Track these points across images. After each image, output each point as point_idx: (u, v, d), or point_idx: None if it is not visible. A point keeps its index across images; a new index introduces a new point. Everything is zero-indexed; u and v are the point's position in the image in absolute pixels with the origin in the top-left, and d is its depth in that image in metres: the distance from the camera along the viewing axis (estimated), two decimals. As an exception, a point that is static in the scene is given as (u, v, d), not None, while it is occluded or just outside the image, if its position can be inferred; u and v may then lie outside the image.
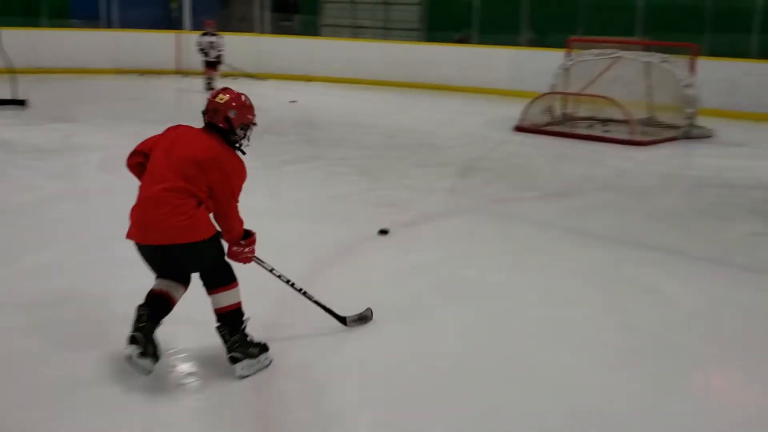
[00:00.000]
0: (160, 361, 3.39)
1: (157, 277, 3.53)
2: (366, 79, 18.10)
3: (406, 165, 8.66)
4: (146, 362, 3.30)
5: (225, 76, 15.95)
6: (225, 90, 3.67)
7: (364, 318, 4.13)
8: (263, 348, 3.57)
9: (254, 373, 3.49)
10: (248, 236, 3.64)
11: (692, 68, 11.02)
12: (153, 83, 16.73)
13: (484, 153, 9.47)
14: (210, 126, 3.59)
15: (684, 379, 3.64)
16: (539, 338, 4.01)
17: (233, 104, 3.59)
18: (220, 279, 3.47)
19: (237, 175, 3.52)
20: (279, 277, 3.92)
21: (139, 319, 3.37)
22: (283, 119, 11.76)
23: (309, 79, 18.42)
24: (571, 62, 11.90)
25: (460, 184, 7.68)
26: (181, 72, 18.26)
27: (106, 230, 5.63)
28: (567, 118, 11.70)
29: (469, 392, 3.43)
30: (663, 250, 5.64)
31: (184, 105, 14.70)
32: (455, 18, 18.60)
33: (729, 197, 7.43)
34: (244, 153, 3.66)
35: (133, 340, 3.31)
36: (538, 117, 11.53)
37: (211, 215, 3.47)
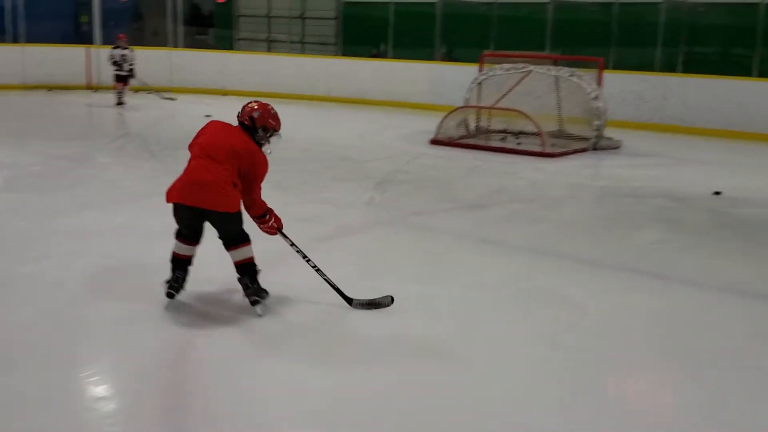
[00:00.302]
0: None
1: (183, 240, 4.47)
2: (282, 93, 18.02)
3: (323, 179, 8.65)
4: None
5: (136, 90, 15.65)
6: (257, 101, 4.66)
7: (374, 304, 4.52)
8: (267, 294, 4.44)
9: (267, 313, 4.35)
10: (266, 214, 4.59)
11: (599, 81, 11.39)
12: (62, 99, 16.24)
13: (401, 166, 9.54)
14: (241, 124, 4.53)
15: (596, 385, 3.73)
16: (454, 349, 4.05)
17: (258, 108, 4.58)
18: (239, 238, 4.38)
19: (261, 166, 4.46)
20: (297, 252, 4.65)
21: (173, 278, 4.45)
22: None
23: (224, 93, 18.23)
24: (483, 76, 12.14)
25: (377, 198, 7.70)
26: (92, 87, 17.81)
27: (10, 251, 5.44)
28: (481, 131, 11.92)
29: (386, 405, 3.43)
30: (574, 258, 5.80)
31: (95, 120, 14.32)
32: (371, 33, 18.74)
33: (636, 206, 7.69)
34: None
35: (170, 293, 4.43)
36: (453, 130, 11.71)
37: None
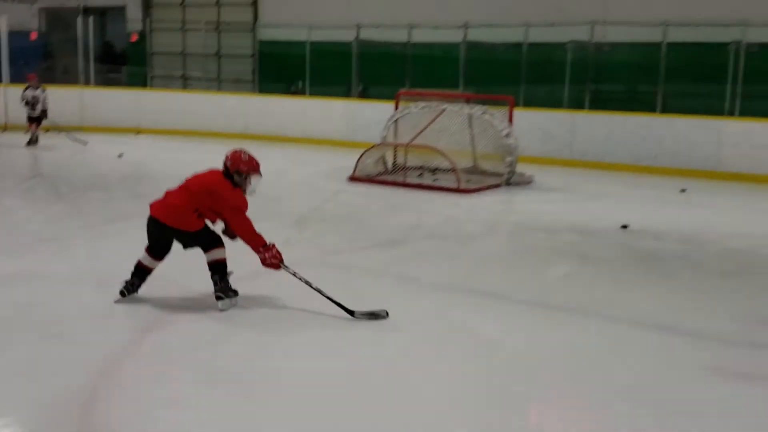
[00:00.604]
0: None
1: (150, 253, 5.37)
2: (199, 131, 17.86)
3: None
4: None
5: (46, 130, 15.25)
6: (233, 149, 5.53)
7: (375, 315, 5.06)
8: (236, 293, 5.35)
9: (229, 308, 5.19)
10: (263, 248, 5.36)
11: (510, 119, 11.70)
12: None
13: (319, 204, 9.54)
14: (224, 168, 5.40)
15: (508, 423, 3.77)
16: (369, 393, 4.04)
17: (230, 156, 5.44)
18: (210, 244, 5.36)
19: (225, 201, 5.30)
20: (300, 279, 5.33)
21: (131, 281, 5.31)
22: (109, 175, 11.34)
23: (138, 131, 17.93)
24: (399, 114, 12.31)
25: (294, 236, 7.66)
26: (1, 127, 17.25)
27: None
28: (398, 168, 12.05)
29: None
30: (487, 294, 5.89)
31: (4, 161, 13.83)
32: (288, 70, 18.80)
33: (547, 241, 7.88)
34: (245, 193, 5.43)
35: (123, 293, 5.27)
36: (371, 167, 11.81)
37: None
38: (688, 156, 13.35)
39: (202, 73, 19.52)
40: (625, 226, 8.53)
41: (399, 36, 16.63)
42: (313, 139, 16.95)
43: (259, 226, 8.23)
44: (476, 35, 15.90)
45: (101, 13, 22.38)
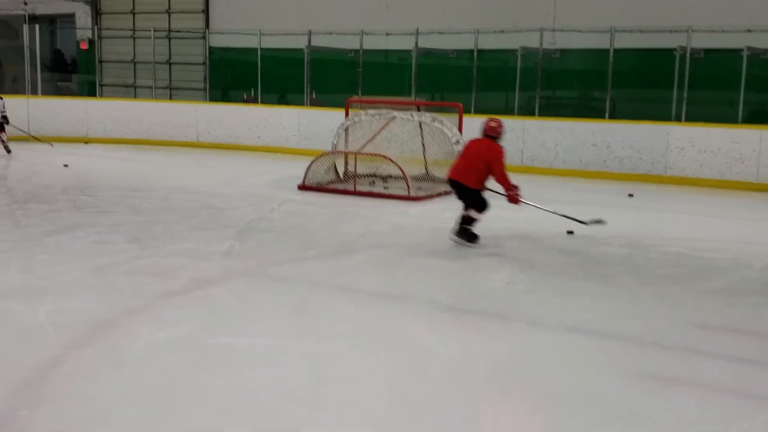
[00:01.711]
0: None
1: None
2: (150, 140, 17.63)
3: (182, 229, 8.41)
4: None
5: (11, 139, 15.03)
6: (495, 119, 8.03)
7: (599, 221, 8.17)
8: (475, 238, 7.84)
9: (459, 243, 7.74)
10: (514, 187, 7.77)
11: (460, 127, 11.70)
12: None
13: (266, 213, 9.43)
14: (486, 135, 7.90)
15: (441, 430, 3.72)
16: (303, 405, 3.95)
17: (493, 125, 7.95)
18: (475, 205, 7.80)
19: (494, 155, 7.71)
20: (540, 209, 8.11)
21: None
22: (53, 186, 11.10)
23: (86, 141, 17.63)
24: (350, 122, 12.25)
25: (237, 247, 7.54)
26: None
27: None
28: (349, 176, 11.97)
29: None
30: (426, 303, 5.84)
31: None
32: (240, 78, 18.66)
33: (492, 248, 7.86)
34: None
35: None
36: (321, 175, 11.72)
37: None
38: (636, 161, 13.50)
39: (152, 81, 19.26)
40: (570, 232, 8.56)
41: (351, 43, 16.58)
42: (265, 147, 16.82)
43: (203, 236, 8.18)
44: (427, 42, 15.93)
45: (50, 20, 22.02)
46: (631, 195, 11.69)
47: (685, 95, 13.58)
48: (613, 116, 14.29)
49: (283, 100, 18.01)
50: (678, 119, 13.56)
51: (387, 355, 4.74)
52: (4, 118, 14.79)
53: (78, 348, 4.62)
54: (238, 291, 6.14)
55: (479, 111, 14.89)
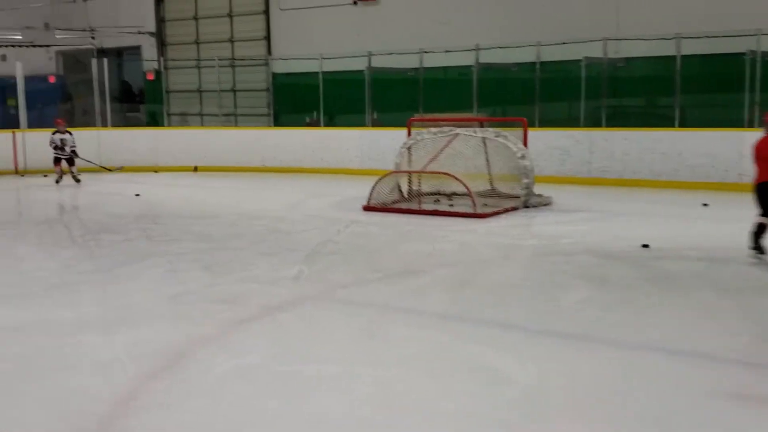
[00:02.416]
0: None
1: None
2: (217, 166, 17.93)
3: (250, 254, 8.47)
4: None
5: (81, 171, 15.58)
6: None
7: None
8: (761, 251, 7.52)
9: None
10: None
11: (524, 141, 11.54)
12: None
13: (331, 236, 9.43)
14: None
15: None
16: (372, 435, 3.89)
17: None
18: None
19: None
20: None
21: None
22: (125, 215, 11.35)
23: (156, 170, 18.04)
24: (412, 141, 12.21)
25: (305, 271, 7.55)
26: (19, 172, 17.45)
27: None
28: (414, 195, 11.92)
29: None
30: (499, 324, 5.71)
31: (20, 207, 13.94)
32: (302, 102, 18.84)
33: (564, 264, 7.68)
34: None
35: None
36: (385, 195, 11.69)
37: None
38: (709, 169, 13.08)
39: (218, 108, 19.63)
40: (645, 246, 8.31)
41: (410, 62, 16.58)
42: (329, 169, 16.92)
43: (271, 261, 8.22)
44: (488, 57, 15.80)
45: (117, 53, 22.67)
46: (705, 204, 11.31)
47: (757, 99, 13.12)
48: (683, 124, 13.90)
49: (344, 121, 18.11)
50: (750, 125, 13.09)
51: (458, 381, 4.63)
52: (74, 152, 15.33)
53: (152, 379, 4.65)
54: (306, 316, 6.13)
55: (543, 124, 14.69)
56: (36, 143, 16.71)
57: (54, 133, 15.42)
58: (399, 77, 17.09)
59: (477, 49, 15.69)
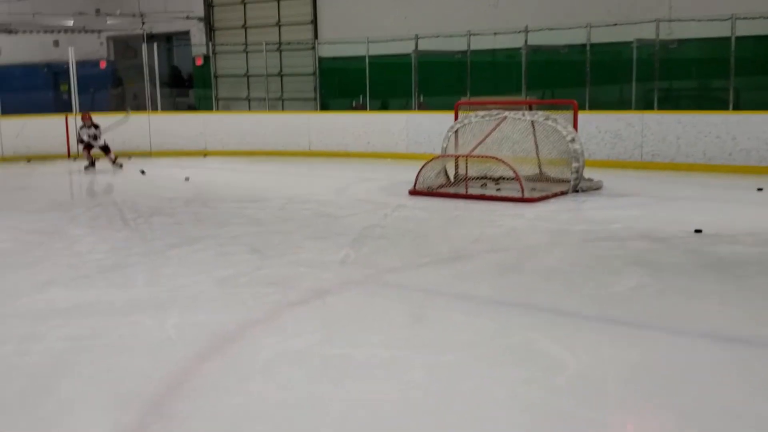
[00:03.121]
0: None
1: None
2: (264, 150, 18.06)
3: (299, 238, 8.51)
4: None
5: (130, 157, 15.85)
6: None
7: None
8: None
9: None
10: None
11: (575, 124, 11.36)
12: (41, 170, 16.18)
13: (379, 220, 9.42)
14: None
15: (568, 451, 3.55)
16: (427, 418, 3.87)
17: None
18: None
19: None
20: None
21: None
22: (175, 199, 11.49)
23: (205, 154, 18.23)
24: (459, 125, 12.11)
25: (352, 255, 7.56)
26: (72, 155, 17.79)
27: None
28: (460, 179, 11.83)
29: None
30: (550, 310, 5.64)
31: (73, 190, 14.22)
32: (348, 86, 18.84)
33: (616, 250, 7.56)
34: None
35: None
36: (432, 180, 11.63)
37: None
38: (764, 153, 12.73)
39: (265, 93, 19.73)
40: (699, 231, 8.13)
41: (458, 45, 16.44)
42: (375, 153, 16.91)
43: (319, 245, 8.24)
44: (537, 39, 15.58)
45: (167, 38, 22.93)
46: (760, 189, 11.03)
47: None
48: (737, 107, 13.55)
49: (391, 105, 18.06)
50: (808, 106, 12.72)
51: (510, 366, 4.59)
52: (105, 144, 15.57)
53: (204, 362, 4.70)
54: (355, 300, 6.13)
55: (594, 107, 14.46)
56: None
57: (81, 128, 15.61)
58: (446, 60, 16.96)
59: (526, 31, 15.48)
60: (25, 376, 4.52)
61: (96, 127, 15.61)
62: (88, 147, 15.51)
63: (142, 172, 14.54)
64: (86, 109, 17.30)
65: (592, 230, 8.66)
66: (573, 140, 11.12)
